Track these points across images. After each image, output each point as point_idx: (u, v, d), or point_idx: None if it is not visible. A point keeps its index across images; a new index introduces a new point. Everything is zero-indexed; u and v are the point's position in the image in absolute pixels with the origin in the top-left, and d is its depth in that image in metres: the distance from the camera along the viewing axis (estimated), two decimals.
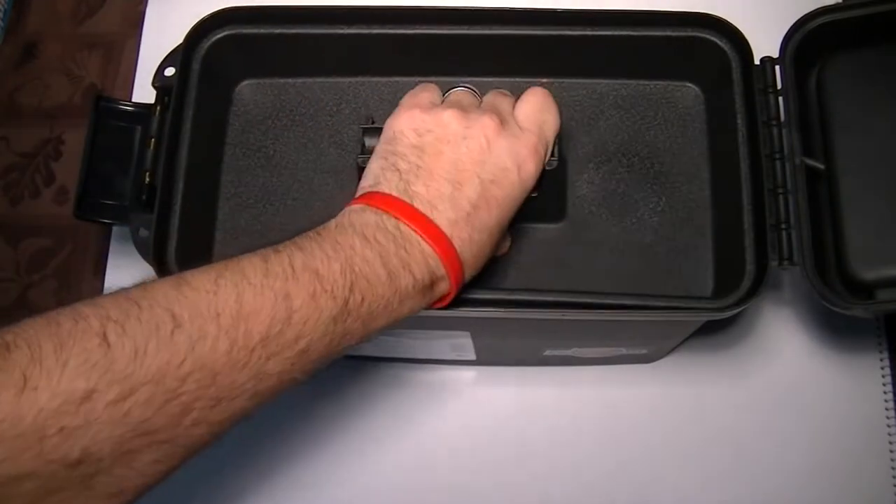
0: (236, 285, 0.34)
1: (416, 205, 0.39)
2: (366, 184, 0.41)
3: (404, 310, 0.39)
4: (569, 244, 0.50)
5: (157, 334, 0.32)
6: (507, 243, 0.49)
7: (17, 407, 0.29)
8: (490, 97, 0.45)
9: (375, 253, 0.37)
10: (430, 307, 0.41)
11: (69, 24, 0.69)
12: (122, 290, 0.33)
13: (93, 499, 0.31)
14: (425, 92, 0.45)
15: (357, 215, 0.39)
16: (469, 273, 0.41)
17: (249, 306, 0.34)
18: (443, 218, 0.39)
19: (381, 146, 0.43)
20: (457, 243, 0.39)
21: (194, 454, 0.34)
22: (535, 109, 0.44)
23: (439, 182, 0.40)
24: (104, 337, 0.31)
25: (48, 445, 0.29)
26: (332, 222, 0.39)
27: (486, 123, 0.41)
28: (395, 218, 0.39)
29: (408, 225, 0.39)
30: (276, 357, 0.34)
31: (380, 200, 0.40)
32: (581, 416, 0.57)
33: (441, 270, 0.39)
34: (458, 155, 0.41)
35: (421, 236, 0.39)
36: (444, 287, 0.40)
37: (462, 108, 0.42)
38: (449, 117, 0.42)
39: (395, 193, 0.40)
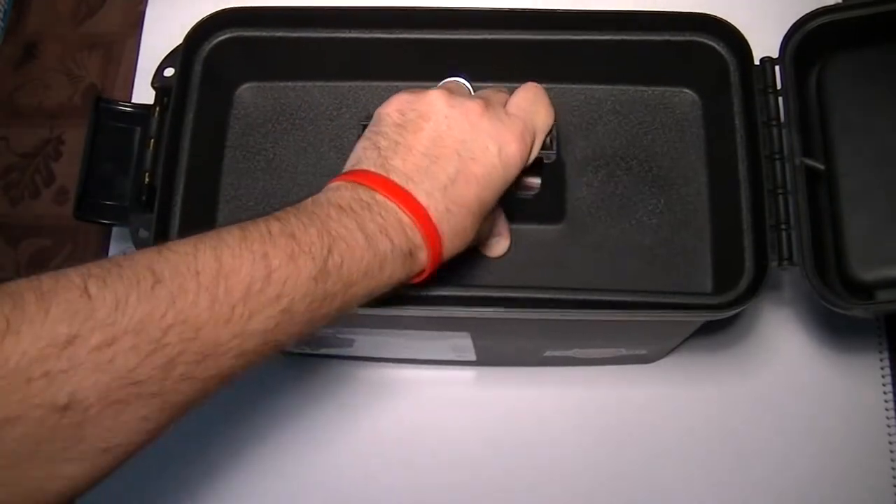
0: (214, 248, 0.35)
1: (393, 177, 0.40)
2: (348, 164, 0.42)
3: (384, 276, 0.39)
4: (568, 245, 0.50)
5: (138, 288, 0.32)
6: (506, 243, 0.49)
7: (0, 350, 0.29)
8: (484, 91, 0.46)
9: (352, 219, 0.38)
10: (410, 282, 0.41)
11: (69, 24, 0.69)
12: (106, 258, 0.34)
13: (85, 452, 0.31)
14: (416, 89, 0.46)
15: (333, 192, 0.40)
16: (448, 248, 0.41)
17: (228, 265, 0.34)
18: (419, 189, 0.40)
19: (367, 130, 0.43)
20: (433, 214, 0.40)
21: (181, 414, 0.34)
22: (526, 100, 0.44)
23: (417, 157, 0.41)
24: (85, 289, 0.31)
25: (34, 388, 0.29)
26: (309, 199, 0.40)
27: (471, 106, 0.42)
28: (371, 189, 0.39)
29: (383, 195, 0.39)
30: (259, 315, 0.35)
31: (356, 176, 0.40)
32: (581, 416, 0.57)
33: (418, 239, 0.39)
34: (438, 132, 0.41)
35: (397, 205, 0.39)
36: (422, 258, 0.40)
37: (449, 91, 0.43)
38: (434, 96, 0.42)
39: (372, 168, 0.40)
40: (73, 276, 0.32)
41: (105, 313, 0.31)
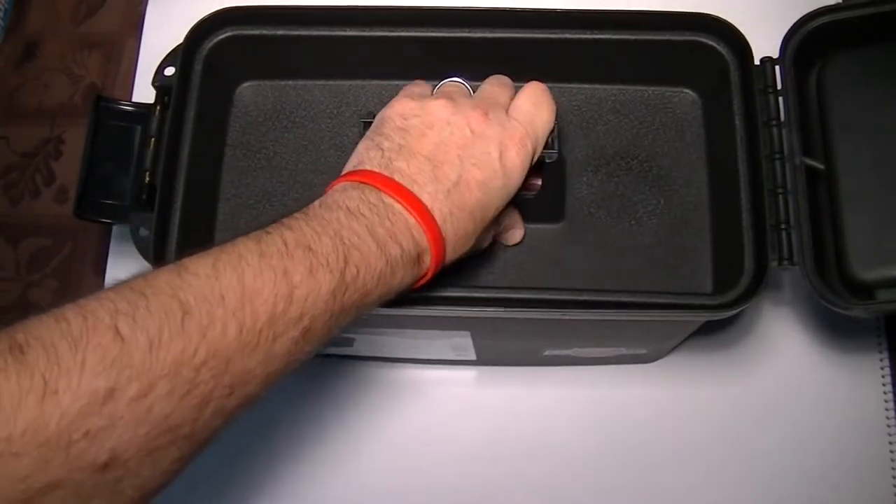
0: (235, 268, 0.34)
1: (397, 178, 0.40)
2: (350, 164, 0.42)
3: (395, 281, 0.38)
4: (568, 245, 0.50)
5: (169, 323, 0.31)
6: (521, 232, 0.49)
7: (40, 414, 0.28)
8: (487, 86, 0.46)
9: (362, 225, 0.38)
10: (413, 287, 0.41)
11: (69, 24, 0.69)
12: (123, 283, 0.33)
13: (122, 502, 0.31)
14: (416, 87, 0.46)
15: (339, 193, 0.39)
16: (450, 252, 0.41)
17: (251, 287, 0.33)
18: (423, 192, 0.40)
19: (369, 132, 0.43)
20: (437, 216, 0.40)
21: (209, 445, 0.33)
22: (530, 103, 0.44)
23: (420, 160, 0.41)
24: (117, 330, 0.30)
25: (75, 451, 0.28)
26: (317, 202, 0.39)
27: (473, 114, 0.42)
28: (378, 190, 0.39)
29: (390, 196, 0.39)
30: (282, 337, 0.34)
31: (362, 175, 0.40)
32: (581, 416, 0.57)
33: (424, 242, 0.39)
34: (441, 138, 0.41)
35: (404, 206, 0.39)
36: (427, 262, 0.40)
37: (451, 99, 0.43)
38: (436, 105, 0.42)
39: (377, 169, 0.40)
40: (102, 313, 0.31)
41: (140, 357, 0.30)
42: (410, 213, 0.39)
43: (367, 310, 0.38)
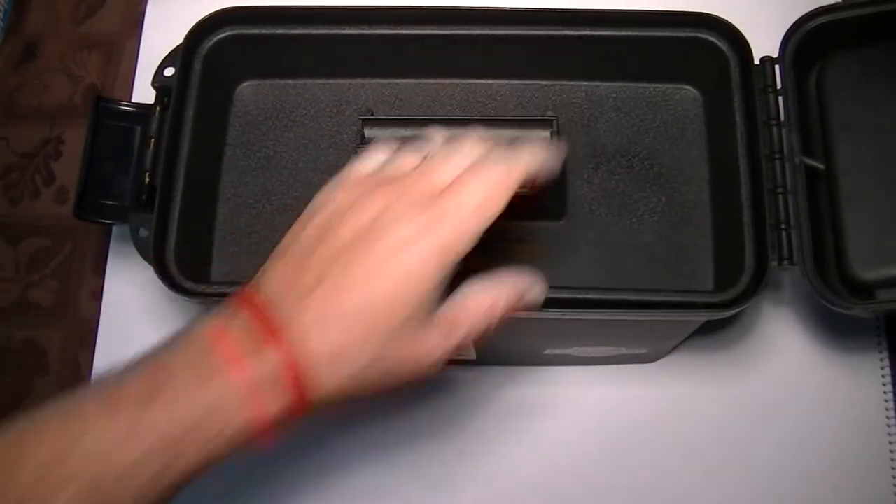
0: (18, 423, 0.32)
1: (262, 290, 0.36)
2: None
3: (240, 418, 0.33)
4: (568, 243, 0.50)
5: None
6: (540, 288, 0.40)
7: None
8: (436, 159, 0.38)
9: (193, 354, 0.34)
10: (291, 414, 0.35)
11: (69, 24, 0.69)
12: None
13: None
14: (356, 173, 0.39)
15: (201, 316, 0.36)
16: (329, 369, 0.34)
17: (28, 442, 0.31)
18: (284, 301, 0.35)
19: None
20: (296, 328, 0.34)
21: None
22: (478, 189, 0.36)
23: (290, 260, 0.36)
24: None
25: None
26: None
27: (378, 197, 0.36)
28: (236, 309, 0.35)
29: (246, 314, 0.35)
30: (55, 500, 0.30)
31: (232, 296, 0.37)
32: (581, 416, 0.57)
33: (277, 365, 0.33)
34: (327, 226, 0.37)
35: (259, 325, 0.34)
36: (287, 388, 0.34)
37: (359, 185, 0.38)
38: (338, 190, 0.38)
39: (249, 283, 0.37)
40: None
41: None
42: (263, 332, 0.34)
43: (210, 454, 0.33)
